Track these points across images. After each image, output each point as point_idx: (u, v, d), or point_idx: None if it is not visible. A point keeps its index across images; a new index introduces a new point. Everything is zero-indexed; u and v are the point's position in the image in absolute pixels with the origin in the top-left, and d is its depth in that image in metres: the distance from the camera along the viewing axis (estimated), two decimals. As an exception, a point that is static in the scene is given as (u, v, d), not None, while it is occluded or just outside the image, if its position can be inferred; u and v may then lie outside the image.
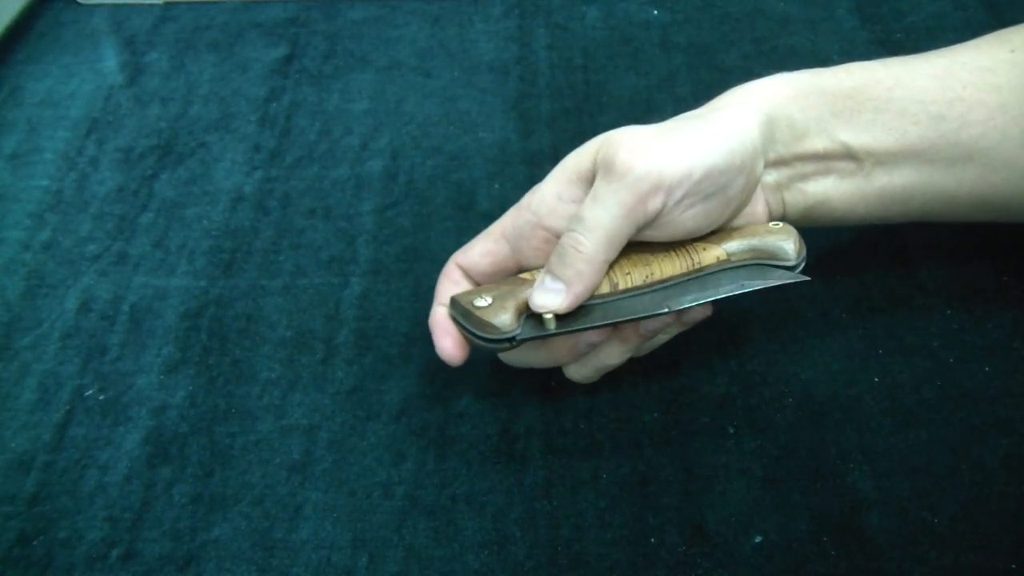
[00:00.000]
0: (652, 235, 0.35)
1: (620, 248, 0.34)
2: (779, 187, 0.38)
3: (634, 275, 0.35)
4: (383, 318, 0.44)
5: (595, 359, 0.37)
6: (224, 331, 0.44)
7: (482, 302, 0.35)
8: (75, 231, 0.49)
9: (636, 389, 0.41)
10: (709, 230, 0.36)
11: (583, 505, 0.37)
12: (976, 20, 0.59)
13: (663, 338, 0.38)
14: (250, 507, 0.37)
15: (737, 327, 0.43)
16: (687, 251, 0.36)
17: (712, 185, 0.34)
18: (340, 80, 0.57)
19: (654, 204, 0.33)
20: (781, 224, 0.37)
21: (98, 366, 0.42)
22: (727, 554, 0.35)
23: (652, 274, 0.35)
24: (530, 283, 0.35)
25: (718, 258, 0.36)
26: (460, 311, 0.36)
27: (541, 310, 0.34)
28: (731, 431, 0.39)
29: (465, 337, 0.36)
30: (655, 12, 0.62)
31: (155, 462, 0.39)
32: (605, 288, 0.35)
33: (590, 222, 0.33)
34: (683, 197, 0.33)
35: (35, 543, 0.36)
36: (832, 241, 0.46)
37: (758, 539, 0.36)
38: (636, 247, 0.35)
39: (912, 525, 0.36)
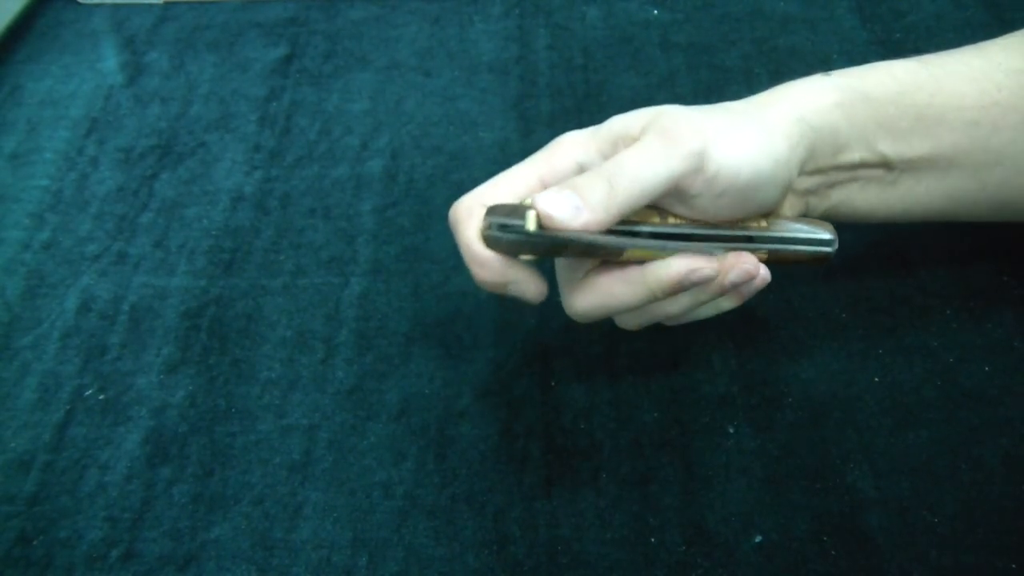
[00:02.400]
0: (678, 210, 0.34)
1: (639, 207, 0.33)
2: (807, 192, 0.37)
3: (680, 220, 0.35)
4: (383, 318, 0.44)
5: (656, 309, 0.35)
6: (224, 331, 0.44)
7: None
8: (75, 231, 0.49)
9: (636, 389, 0.41)
10: (731, 220, 0.35)
11: (583, 505, 0.37)
12: (976, 20, 0.59)
13: (707, 311, 0.37)
14: (250, 507, 0.37)
15: (737, 327, 0.43)
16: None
17: (751, 189, 0.34)
18: (340, 80, 0.57)
19: (695, 187, 0.33)
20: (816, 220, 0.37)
21: (98, 366, 0.42)
22: (727, 554, 0.35)
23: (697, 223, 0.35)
24: None
25: (759, 225, 0.36)
26: (505, 211, 0.33)
27: (549, 213, 0.31)
28: (731, 431, 0.39)
29: (509, 242, 0.33)
30: (655, 12, 0.62)
31: (155, 462, 0.39)
32: (655, 218, 0.34)
33: (631, 171, 0.32)
34: (721, 192, 0.33)
35: (35, 543, 0.36)
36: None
37: (758, 539, 0.36)
38: None
39: (912, 525, 0.36)
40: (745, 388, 0.40)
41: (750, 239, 0.35)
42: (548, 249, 0.33)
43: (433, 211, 0.49)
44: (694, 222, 0.35)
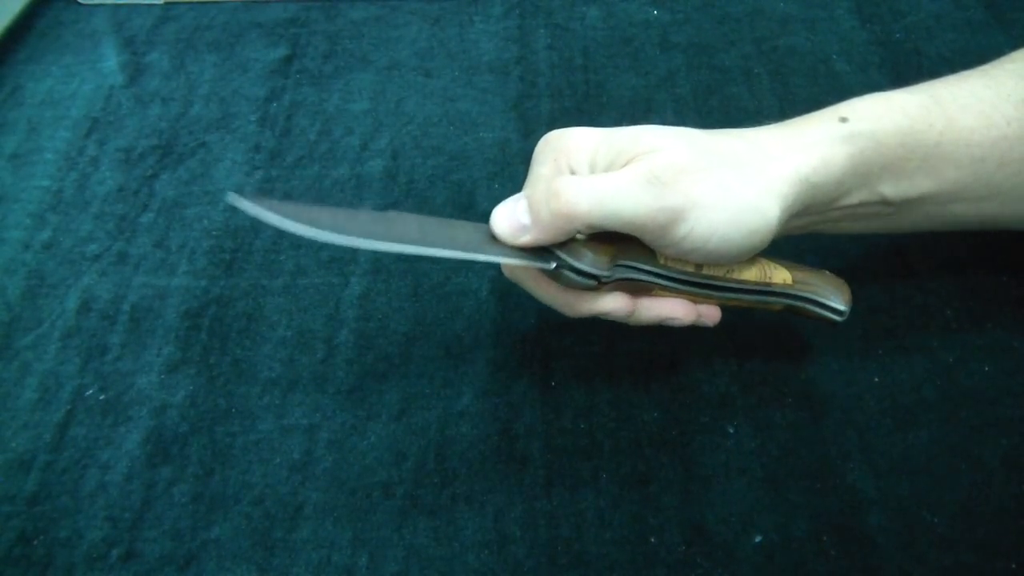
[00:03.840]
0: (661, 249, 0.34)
1: (585, 230, 0.33)
2: (799, 227, 0.37)
3: (718, 266, 0.36)
4: (383, 318, 0.44)
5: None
6: (225, 331, 0.44)
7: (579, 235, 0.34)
8: (76, 231, 0.49)
9: (636, 389, 0.41)
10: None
11: (583, 505, 0.37)
12: (976, 20, 0.59)
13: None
14: (250, 507, 0.37)
15: (737, 327, 0.43)
16: (762, 263, 0.37)
17: (718, 253, 0.34)
18: (340, 80, 0.57)
19: (657, 240, 0.33)
20: (839, 279, 0.38)
21: (98, 366, 0.43)
22: (727, 554, 0.35)
23: (731, 272, 0.36)
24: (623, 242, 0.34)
25: (784, 281, 0.37)
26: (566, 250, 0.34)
27: (495, 231, 0.34)
28: (731, 431, 0.39)
29: (547, 273, 0.34)
30: (655, 12, 0.62)
31: (155, 462, 0.39)
32: (689, 267, 0.35)
33: (606, 196, 0.31)
34: (688, 251, 0.33)
35: (35, 543, 0.37)
36: (832, 242, 0.46)
37: (758, 539, 0.36)
38: None
39: (912, 525, 0.36)
40: (745, 388, 0.40)
41: (772, 293, 0.37)
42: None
43: (433, 211, 0.49)
44: (727, 274, 0.36)
